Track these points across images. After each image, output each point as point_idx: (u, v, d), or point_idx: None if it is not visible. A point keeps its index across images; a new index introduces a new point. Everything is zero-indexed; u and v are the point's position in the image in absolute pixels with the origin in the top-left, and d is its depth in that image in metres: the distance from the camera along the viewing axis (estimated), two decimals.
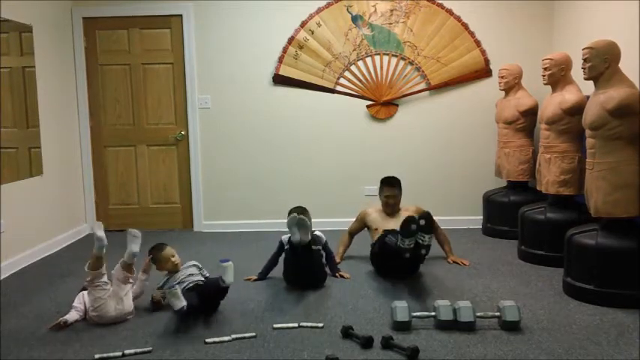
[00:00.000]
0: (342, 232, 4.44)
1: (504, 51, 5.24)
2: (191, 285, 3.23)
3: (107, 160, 5.52)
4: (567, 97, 3.98)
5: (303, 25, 5.29)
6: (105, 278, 3.18)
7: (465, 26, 5.25)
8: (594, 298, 3.33)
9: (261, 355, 2.75)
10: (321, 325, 3.06)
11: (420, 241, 3.32)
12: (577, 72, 3.73)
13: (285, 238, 3.79)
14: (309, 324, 3.07)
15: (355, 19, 5.28)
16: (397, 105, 5.37)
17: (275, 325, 3.07)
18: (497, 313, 3.00)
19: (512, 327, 2.95)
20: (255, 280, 3.85)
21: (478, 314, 3.00)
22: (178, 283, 3.23)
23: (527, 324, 3.03)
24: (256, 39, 5.33)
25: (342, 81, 5.35)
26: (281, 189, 5.43)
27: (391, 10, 5.26)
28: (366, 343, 2.79)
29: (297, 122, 5.40)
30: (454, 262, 4.21)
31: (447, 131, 5.38)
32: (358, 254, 4.36)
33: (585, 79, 3.43)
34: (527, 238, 4.25)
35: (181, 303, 2.93)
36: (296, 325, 3.07)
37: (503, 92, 4.98)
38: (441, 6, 5.24)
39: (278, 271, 3.85)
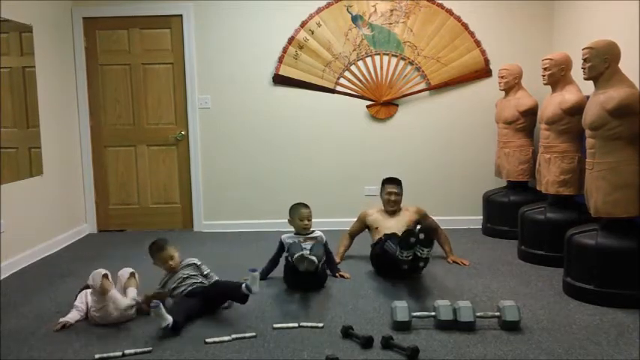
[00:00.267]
0: (342, 232, 4.44)
1: (504, 51, 5.23)
2: (189, 289, 3.24)
3: (107, 160, 5.52)
4: (567, 97, 3.98)
5: (303, 25, 5.28)
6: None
7: (465, 26, 5.25)
8: (594, 298, 3.33)
9: (261, 355, 2.75)
10: (321, 325, 3.06)
11: (419, 254, 3.30)
12: (577, 72, 3.72)
13: (285, 237, 3.79)
14: (309, 324, 3.07)
15: (355, 19, 5.28)
16: (397, 105, 5.36)
17: (275, 325, 3.07)
18: (497, 313, 3.00)
19: (512, 327, 2.95)
20: None
21: (478, 314, 3.00)
22: (174, 288, 3.25)
23: (527, 324, 3.03)
24: (256, 39, 5.33)
25: (342, 81, 5.35)
26: (281, 189, 5.42)
27: (391, 10, 5.25)
28: (366, 343, 2.78)
29: (297, 122, 5.40)
30: (454, 262, 4.22)
31: (447, 131, 5.38)
32: (358, 254, 4.35)
33: (585, 79, 3.43)
34: (527, 238, 4.25)
35: (166, 321, 2.91)
36: (296, 325, 3.07)
37: (503, 92, 4.98)
38: (441, 6, 5.24)
39: (278, 271, 3.85)
